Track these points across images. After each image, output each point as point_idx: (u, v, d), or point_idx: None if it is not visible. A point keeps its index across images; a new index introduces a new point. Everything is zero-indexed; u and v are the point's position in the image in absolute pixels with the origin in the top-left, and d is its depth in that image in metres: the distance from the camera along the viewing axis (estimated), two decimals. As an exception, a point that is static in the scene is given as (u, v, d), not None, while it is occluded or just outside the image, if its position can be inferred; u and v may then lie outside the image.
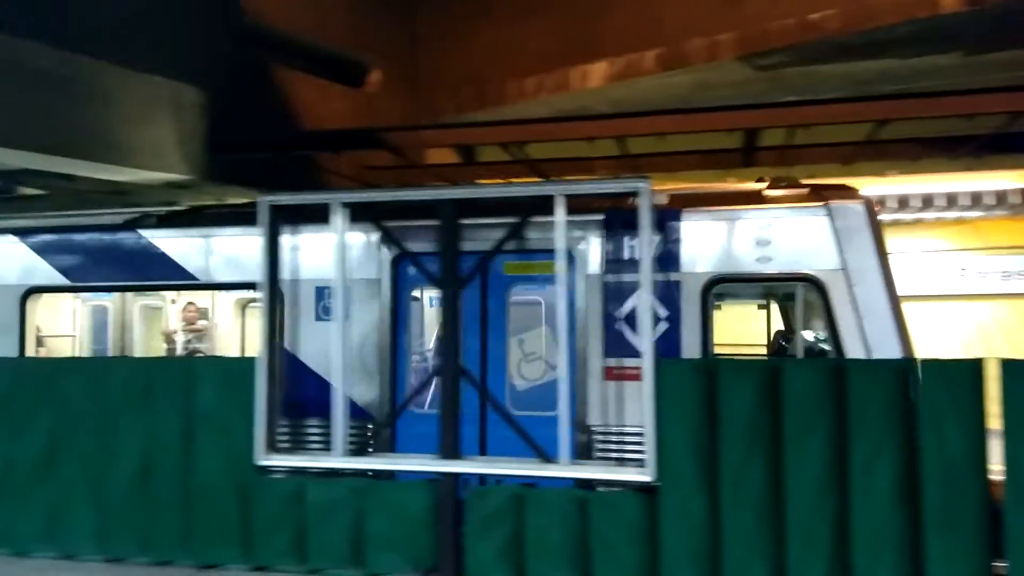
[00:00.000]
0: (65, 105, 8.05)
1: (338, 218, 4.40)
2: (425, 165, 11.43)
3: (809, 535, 3.71)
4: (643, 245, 3.87)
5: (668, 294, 5.14)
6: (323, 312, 5.99)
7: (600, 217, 5.23)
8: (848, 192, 5.24)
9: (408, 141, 10.77)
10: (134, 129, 8.87)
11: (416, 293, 6.56)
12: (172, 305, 8.44)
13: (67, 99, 8.06)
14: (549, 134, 8.51)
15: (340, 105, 11.95)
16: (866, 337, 4.88)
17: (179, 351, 8.58)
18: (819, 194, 5.25)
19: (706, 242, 5.19)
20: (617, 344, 5.10)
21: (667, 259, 5.21)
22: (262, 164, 10.54)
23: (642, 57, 10.66)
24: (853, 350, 4.83)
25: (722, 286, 5.30)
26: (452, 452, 4.10)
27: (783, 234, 5.06)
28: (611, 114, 8.88)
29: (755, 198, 5.39)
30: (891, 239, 6.21)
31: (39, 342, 8.15)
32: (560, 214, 4.18)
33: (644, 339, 4.15)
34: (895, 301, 4.98)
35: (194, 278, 6.68)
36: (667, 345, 4.94)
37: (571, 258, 4.85)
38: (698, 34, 10.22)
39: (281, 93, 11.11)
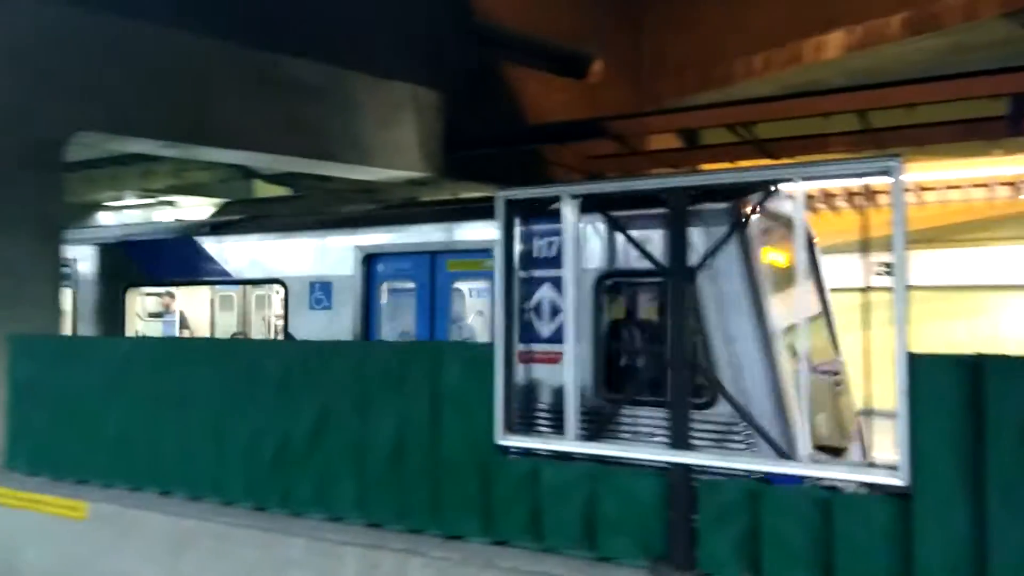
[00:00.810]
0: (322, 114, 9.00)
1: (568, 210, 4.51)
2: (648, 152, 11.37)
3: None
4: (897, 229, 3.54)
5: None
6: (314, 303, 7.42)
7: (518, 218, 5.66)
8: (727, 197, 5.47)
9: (631, 129, 10.78)
10: (380, 132, 9.71)
11: (459, 286, 7.56)
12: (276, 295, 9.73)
13: (324, 108, 9.00)
14: (783, 112, 8.09)
15: (563, 97, 12.20)
16: (727, 322, 5.34)
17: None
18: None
19: (598, 243, 5.88)
20: (527, 331, 5.89)
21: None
22: (493, 159, 11.06)
23: (886, 23, 9.80)
24: (714, 335, 5.37)
25: (612, 280, 5.93)
26: (683, 442, 4.08)
27: (659, 234, 5.18)
28: (852, 87, 8.29)
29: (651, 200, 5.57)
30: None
31: (183, 324, 9.81)
32: (798, 196, 3.96)
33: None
34: (755, 293, 5.34)
35: (229, 275, 8.28)
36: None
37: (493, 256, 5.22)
38: (953, -8, 9.21)
39: (509, 89, 11.57)
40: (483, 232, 6.41)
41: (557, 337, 5.52)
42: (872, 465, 3.73)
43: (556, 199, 4.65)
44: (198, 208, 16.10)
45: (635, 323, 6.08)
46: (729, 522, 3.94)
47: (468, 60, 11.03)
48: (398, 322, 7.43)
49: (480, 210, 6.29)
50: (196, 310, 10.31)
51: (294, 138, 8.79)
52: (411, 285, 7.25)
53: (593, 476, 4.29)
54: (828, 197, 11.24)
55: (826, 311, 6.81)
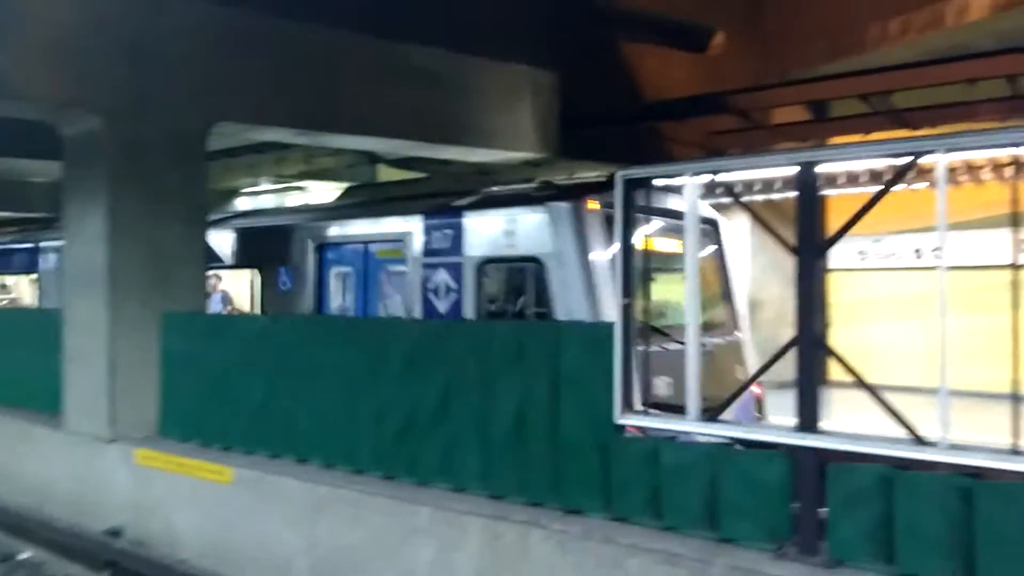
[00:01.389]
0: (444, 99, 9.18)
1: (690, 189, 4.44)
2: (773, 126, 10.94)
3: None
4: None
5: (456, 272, 7.48)
6: (281, 284, 9.38)
7: (421, 215, 7.97)
8: (580, 191, 7.08)
9: (755, 102, 10.41)
10: (498, 115, 9.82)
11: (384, 269, 8.78)
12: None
13: (446, 93, 9.18)
14: (923, 79, 7.61)
15: (682, 72, 11.91)
16: (568, 302, 6.57)
17: None
18: (548, 195, 7.27)
19: (478, 234, 7.36)
20: (428, 308, 7.44)
21: (454, 246, 7.50)
22: (610, 138, 10.95)
23: (1040, -23, 9.00)
24: (558, 312, 6.66)
25: (488, 266, 7.32)
26: (811, 425, 3.97)
27: (521, 227, 7.12)
28: (1000, 50, 7.67)
29: (521, 199, 7.43)
30: None
31: (227, 301, 11.71)
32: (941, 168, 3.73)
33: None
34: (590, 277, 6.57)
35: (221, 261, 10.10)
36: (455, 309, 7.39)
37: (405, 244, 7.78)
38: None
39: (626, 67, 11.42)
40: (401, 225, 8.20)
41: (453, 313, 7.39)
42: (1017, 453, 3.49)
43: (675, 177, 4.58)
44: (325, 192, 16.82)
45: (505, 299, 7.38)
46: (860, 508, 3.81)
47: (585, 39, 10.94)
48: (341, 300, 9.01)
49: (399, 207, 8.63)
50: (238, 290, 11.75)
51: (417, 123, 9.02)
52: (349, 270, 8.90)
53: (714, 457, 4.24)
54: (972, 169, 10.49)
55: (728, 292, 7.98)
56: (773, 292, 12.66)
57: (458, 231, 7.60)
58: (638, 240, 4.87)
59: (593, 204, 6.85)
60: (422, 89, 8.91)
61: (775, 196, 11.05)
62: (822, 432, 3.96)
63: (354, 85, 8.37)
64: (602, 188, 6.93)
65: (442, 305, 7.56)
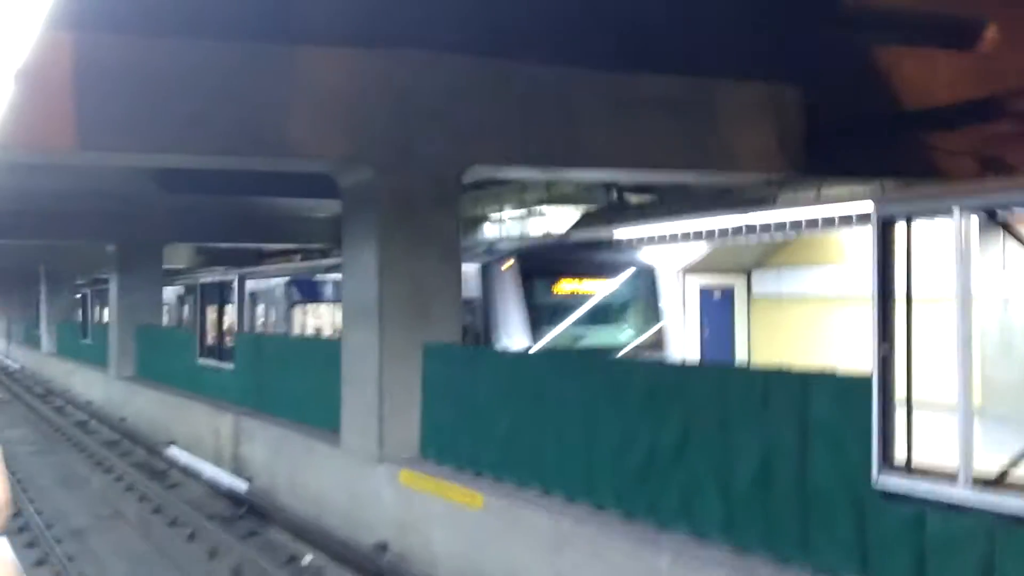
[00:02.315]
0: (681, 124, 9.11)
1: (961, 223, 4.01)
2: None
3: None
4: None
5: None
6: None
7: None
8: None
9: (1042, 106, 9.09)
10: (738, 135, 9.55)
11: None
12: None
13: (682, 119, 9.11)
14: None
15: (947, 73, 10.75)
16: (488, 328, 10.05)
17: None
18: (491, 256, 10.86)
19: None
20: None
21: None
22: (863, 151, 10.18)
23: None
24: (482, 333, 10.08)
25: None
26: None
27: (471, 277, 10.05)
28: None
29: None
30: None
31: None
32: None
33: None
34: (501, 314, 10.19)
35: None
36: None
37: None
38: None
39: (878, 73, 10.55)
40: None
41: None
42: None
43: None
44: (564, 217, 17.32)
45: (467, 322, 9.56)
46: None
47: (831, 48, 10.29)
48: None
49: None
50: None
51: (654, 152, 9.05)
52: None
53: (991, 534, 3.79)
54: None
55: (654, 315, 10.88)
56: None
57: None
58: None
59: (508, 264, 10.38)
60: (657, 117, 8.92)
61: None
62: None
63: (590, 120, 8.58)
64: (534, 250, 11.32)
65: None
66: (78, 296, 26.93)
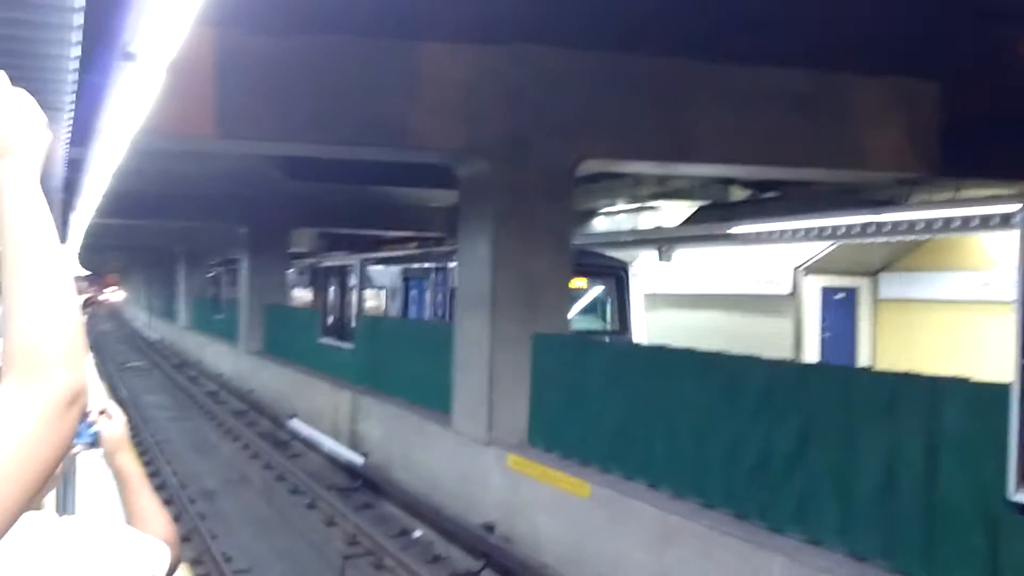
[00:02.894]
0: (803, 120, 8.82)
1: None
2: None
3: None
4: None
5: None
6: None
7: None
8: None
9: None
10: (868, 132, 9.14)
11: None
12: None
13: (805, 114, 8.81)
14: None
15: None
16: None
17: None
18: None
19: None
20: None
21: None
22: (1005, 150, 9.55)
23: None
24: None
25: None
26: None
27: None
28: None
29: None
30: None
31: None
32: None
33: None
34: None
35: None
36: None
37: None
38: None
39: (1025, 68, 9.82)
40: None
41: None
42: None
43: None
44: (676, 211, 17.06)
45: None
46: None
47: (973, 42, 9.69)
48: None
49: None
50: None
51: (775, 148, 8.79)
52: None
53: None
54: None
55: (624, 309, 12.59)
56: None
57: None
58: None
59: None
60: (780, 112, 8.66)
61: None
62: None
63: (708, 114, 8.43)
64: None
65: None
66: (211, 275, 28.74)
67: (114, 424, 1.68)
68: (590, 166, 8.60)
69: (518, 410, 8.23)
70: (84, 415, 1.69)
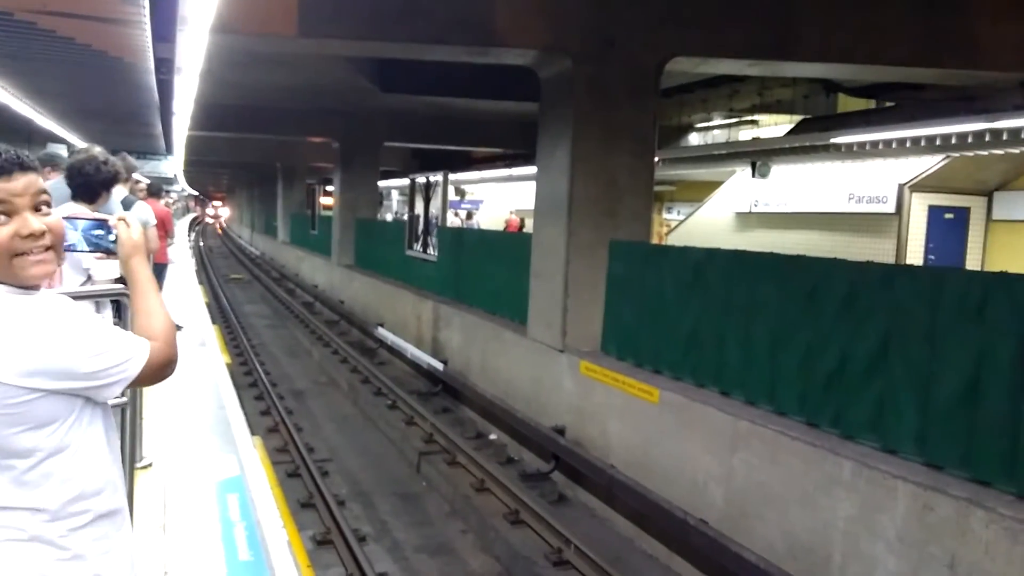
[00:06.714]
0: (915, 13, 8.05)
1: None
2: None
3: None
4: None
5: None
6: None
7: None
8: None
9: None
10: (993, 27, 8.26)
11: None
12: None
13: (917, 7, 8.04)
14: None
15: None
16: None
17: None
18: None
19: None
20: None
21: None
22: None
23: None
24: None
25: None
26: None
27: None
28: None
29: None
30: None
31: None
32: None
33: None
34: None
35: None
36: None
37: None
38: None
39: None
40: None
41: None
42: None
43: None
44: (776, 127, 16.19)
45: None
46: None
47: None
48: None
49: None
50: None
51: (883, 44, 8.09)
52: None
53: None
54: None
55: None
56: None
57: None
58: None
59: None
60: (889, 4, 7.93)
61: None
62: None
63: (809, 8, 7.81)
64: None
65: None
66: (309, 190, 29.54)
67: (131, 231, 1.80)
68: (680, 64, 8.16)
69: (592, 318, 8.14)
70: (107, 226, 1.77)
